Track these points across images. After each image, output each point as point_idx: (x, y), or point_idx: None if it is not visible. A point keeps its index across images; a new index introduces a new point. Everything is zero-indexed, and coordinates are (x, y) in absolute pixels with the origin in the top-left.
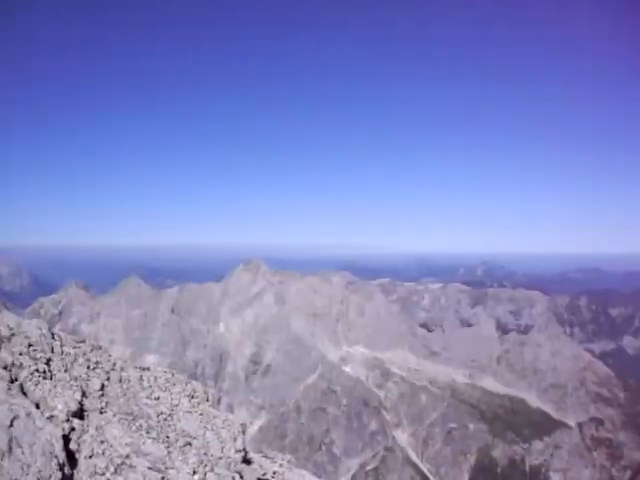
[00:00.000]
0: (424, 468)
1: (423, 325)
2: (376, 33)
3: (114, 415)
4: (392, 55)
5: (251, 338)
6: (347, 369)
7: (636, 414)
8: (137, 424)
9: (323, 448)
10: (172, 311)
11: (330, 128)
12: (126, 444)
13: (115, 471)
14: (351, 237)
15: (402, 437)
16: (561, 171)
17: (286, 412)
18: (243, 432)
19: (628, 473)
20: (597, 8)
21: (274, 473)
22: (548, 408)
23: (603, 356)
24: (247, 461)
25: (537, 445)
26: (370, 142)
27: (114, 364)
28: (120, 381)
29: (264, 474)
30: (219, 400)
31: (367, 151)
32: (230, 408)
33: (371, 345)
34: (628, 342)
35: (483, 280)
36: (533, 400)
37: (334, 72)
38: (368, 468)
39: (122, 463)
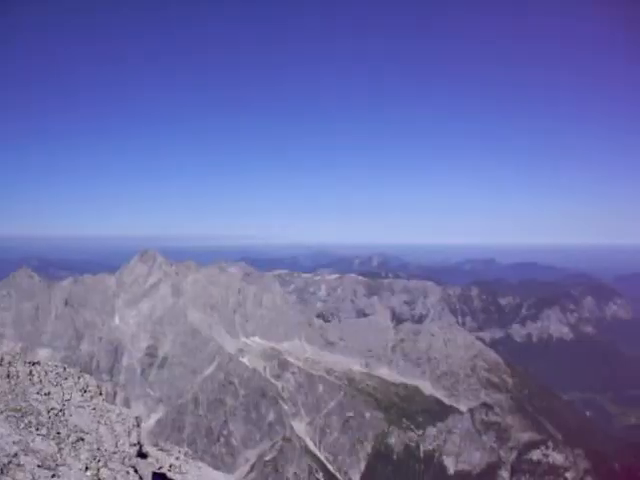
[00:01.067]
0: (322, 457)
1: (320, 315)
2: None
3: (1, 412)
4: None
5: (147, 330)
6: (244, 360)
7: (523, 398)
8: (26, 421)
9: (221, 440)
10: (65, 303)
11: (225, 119)
12: (14, 442)
13: (1, 471)
14: (247, 228)
15: (300, 427)
16: (454, 163)
17: (184, 404)
18: (138, 425)
19: (514, 453)
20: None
21: (170, 466)
22: (441, 395)
23: (493, 344)
24: (142, 455)
25: (431, 431)
26: (266, 134)
27: (1, 359)
28: (8, 377)
29: (160, 467)
30: (114, 394)
31: (264, 143)
32: (126, 402)
33: (268, 336)
34: (516, 330)
35: (378, 271)
36: (427, 388)
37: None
38: (266, 458)
39: (9, 462)
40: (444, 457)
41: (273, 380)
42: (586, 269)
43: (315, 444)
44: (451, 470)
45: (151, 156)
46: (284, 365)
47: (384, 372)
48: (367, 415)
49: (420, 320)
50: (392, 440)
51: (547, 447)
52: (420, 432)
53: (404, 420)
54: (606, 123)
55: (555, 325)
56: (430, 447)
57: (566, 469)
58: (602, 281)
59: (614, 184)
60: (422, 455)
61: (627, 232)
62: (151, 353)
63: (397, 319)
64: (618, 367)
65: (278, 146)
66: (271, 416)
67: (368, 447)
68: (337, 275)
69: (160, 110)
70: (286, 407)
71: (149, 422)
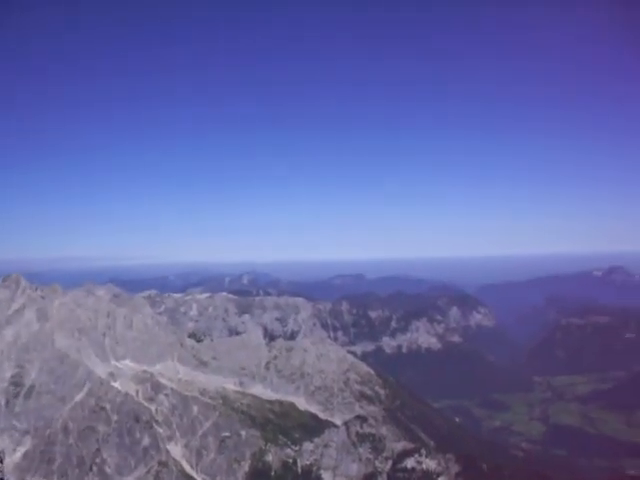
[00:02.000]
0: (199, 479)
1: (192, 335)
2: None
3: None
4: None
5: (11, 358)
6: (116, 384)
7: (395, 409)
8: None
9: (94, 469)
10: None
11: (88, 133)
12: None
13: None
14: (113, 249)
15: (176, 450)
16: (319, 181)
17: (53, 434)
18: (1, 461)
19: (389, 463)
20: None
21: None
22: (316, 410)
23: (364, 356)
24: None
25: (308, 446)
26: (132, 157)
27: None
28: None
29: None
30: None
31: (128, 161)
32: None
33: (140, 358)
34: (386, 342)
35: (249, 289)
36: (302, 403)
37: None
38: None
39: None
40: (322, 471)
41: (146, 403)
42: (450, 281)
43: (192, 466)
44: None
45: (7, 173)
46: (157, 387)
47: (258, 390)
48: (243, 434)
49: (292, 336)
50: (269, 457)
51: (420, 454)
52: (297, 448)
53: (280, 437)
54: (482, 132)
55: (423, 336)
56: (307, 462)
57: (439, 474)
58: (466, 292)
59: (474, 198)
60: (300, 471)
61: (486, 245)
62: (16, 382)
63: (269, 336)
64: (483, 373)
65: (140, 166)
66: (146, 440)
67: (246, 466)
68: (208, 294)
69: (25, 127)
70: (161, 430)
71: (15, 456)
